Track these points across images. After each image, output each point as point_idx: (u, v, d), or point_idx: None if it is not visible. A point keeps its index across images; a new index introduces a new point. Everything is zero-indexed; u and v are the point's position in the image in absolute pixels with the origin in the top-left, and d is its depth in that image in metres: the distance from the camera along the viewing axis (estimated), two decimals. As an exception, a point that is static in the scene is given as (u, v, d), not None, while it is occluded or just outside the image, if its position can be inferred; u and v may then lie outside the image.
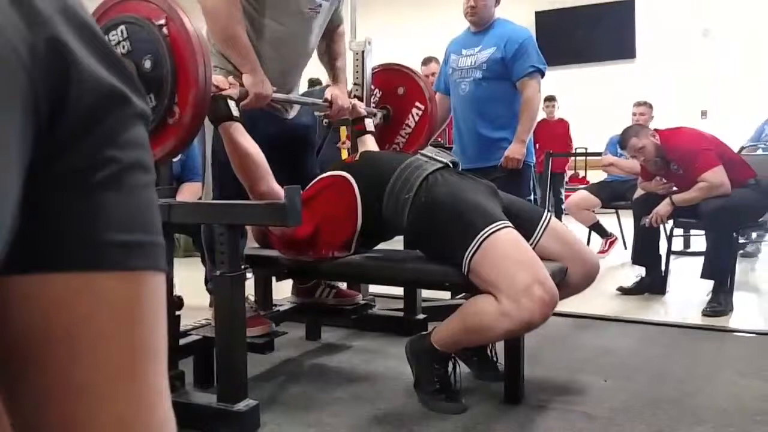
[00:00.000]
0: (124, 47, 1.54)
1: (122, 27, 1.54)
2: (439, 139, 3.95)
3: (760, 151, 4.01)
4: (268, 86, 1.95)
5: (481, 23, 2.97)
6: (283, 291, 2.63)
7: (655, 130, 3.45)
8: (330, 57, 2.34)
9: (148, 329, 0.38)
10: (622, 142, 3.42)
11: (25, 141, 0.31)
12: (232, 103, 1.82)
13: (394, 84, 2.67)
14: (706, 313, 2.94)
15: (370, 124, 2.43)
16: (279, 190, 1.81)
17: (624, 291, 3.43)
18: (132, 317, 0.37)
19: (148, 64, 1.51)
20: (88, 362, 0.36)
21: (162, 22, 1.50)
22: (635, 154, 3.33)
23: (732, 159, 3.26)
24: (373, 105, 2.62)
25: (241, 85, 1.89)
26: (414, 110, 2.63)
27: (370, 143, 2.38)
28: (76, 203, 0.35)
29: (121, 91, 0.36)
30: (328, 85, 2.63)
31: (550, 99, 7.04)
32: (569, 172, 7.55)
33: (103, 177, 0.35)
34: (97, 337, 0.36)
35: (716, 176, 3.08)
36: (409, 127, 2.66)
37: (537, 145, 6.53)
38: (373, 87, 2.64)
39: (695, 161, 3.14)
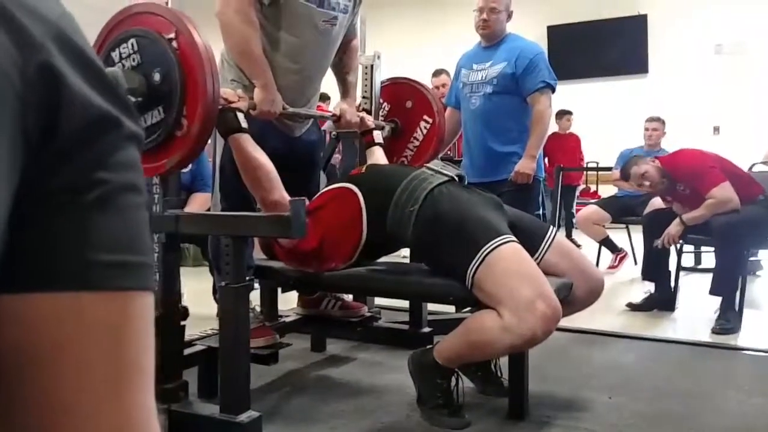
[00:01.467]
0: (134, 60, 1.57)
1: (132, 40, 1.56)
2: (449, 153, 3.96)
3: (763, 167, 3.98)
4: (278, 104, 1.98)
5: (492, 37, 2.98)
6: (289, 302, 2.64)
7: (655, 157, 3.52)
8: (341, 70, 2.37)
9: (135, 348, 0.39)
10: (624, 176, 3.46)
11: (15, 162, 0.33)
12: (240, 115, 1.84)
13: (402, 97, 2.69)
14: (715, 331, 2.91)
15: (378, 136, 2.45)
16: (283, 199, 1.83)
17: (633, 307, 3.41)
18: (119, 337, 0.38)
19: (157, 77, 1.53)
20: (75, 382, 0.36)
21: (172, 35, 1.52)
22: (640, 181, 3.36)
23: (738, 175, 3.24)
24: (382, 118, 2.64)
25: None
26: (422, 123, 2.65)
27: (378, 155, 2.40)
28: (66, 224, 0.36)
29: (112, 115, 0.37)
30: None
31: (565, 113, 7.03)
32: (581, 186, 7.53)
33: (93, 198, 0.36)
34: (84, 356, 0.36)
35: (724, 192, 3.07)
36: (417, 140, 2.68)
37: (547, 159, 6.54)
38: (381, 100, 2.66)
39: (701, 179, 3.14)
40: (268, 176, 1.87)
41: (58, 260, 0.35)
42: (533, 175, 2.87)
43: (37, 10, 0.34)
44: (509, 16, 2.99)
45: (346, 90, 2.36)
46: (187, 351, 1.99)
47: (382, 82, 2.67)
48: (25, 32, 0.33)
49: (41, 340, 0.35)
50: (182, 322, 1.82)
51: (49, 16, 0.35)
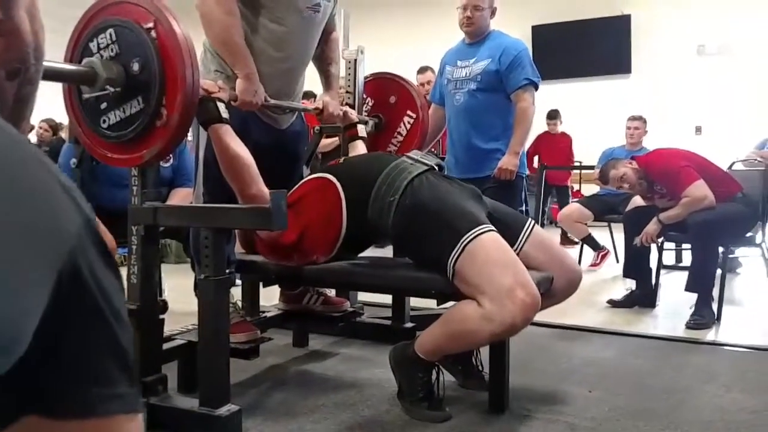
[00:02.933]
0: (112, 50, 1.55)
1: (111, 30, 1.55)
2: (433, 150, 3.97)
3: (740, 166, 4.03)
4: (260, 95, 1.96)
5: (476, 34, 2.99)
6: (271, 298, 2.63)
7: (631, 157, 3.57)
8: (323, 62, 2.35)
9: None
10: (602, 179, 3.51)
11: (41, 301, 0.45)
12: (221, 105, 1.82)
13: (386, 93, 2.69)
14: (689, 326, 2.95)
15: (362, 129, 2.45)
16: (268, 194, 1.81)
17: (614, 304, 3.44)
18: None
19: (136, 66, 1.51)
20: None
21: (150, 25, 1.51)
22: (619, 184, 3.40)
23: (714, 173, 3.28)
24: (365, 113, 2.63)
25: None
26: (406, 118, 2.65)
27: (360, 149, 2.40)
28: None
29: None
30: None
31: (554, 116, 7.07)
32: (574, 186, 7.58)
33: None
34: None
35: (698, 190, 3.11)
36: (401, 135, 2.68)
37: (537, 157, 6.58)
38: (365, 96, 2.65)
39: (676, 179, 3.19)
40: (248, 169, 1.85)
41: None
42: (516, 172, 2.88)
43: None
44: (493, 12, 2.99)
45: (328, 83, 2.35)
46: (167, 345, 1.97)
47: (365, 78, 2.67)
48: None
49: None
50: (161, 316, 1.80)
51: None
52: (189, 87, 1.48)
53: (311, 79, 2.39)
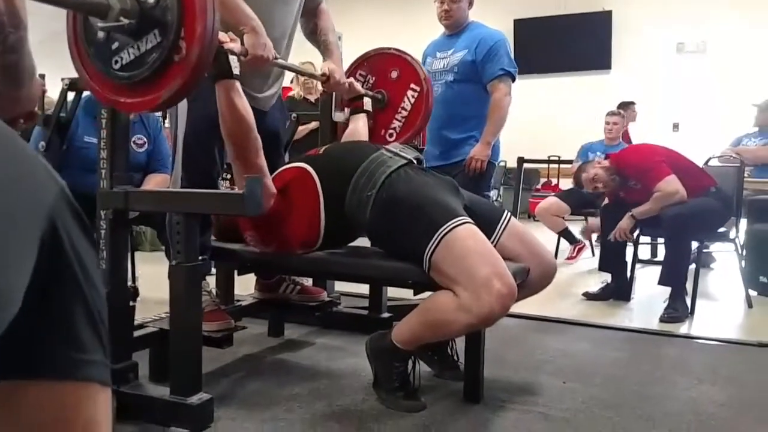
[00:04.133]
0: None
1: None
2: (414, 141, 3.95)
3: (716, 162, 4.09)
4: (270, 48, 1.83)
5: (455, 26, 2.98)
6: (247, 286, 2.60)
7: (607, 154, 3.65)
8: (320, 34, 2.30)
9: None
10: (578, 183, 3.56)
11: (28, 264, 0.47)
12: (233, 59, 1.71)
13: (387, 68, 2.61)
14: (663, 319, 2.99)
15: (368, 103, 2.42)
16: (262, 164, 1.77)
17: (589, 296, 3.46)
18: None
19: None
20: None
21: None
22: (592, 185, 3.43)
23: (687, 167, 3.32)
24: (367, 88, 2.57)
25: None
26: (409, 92, 2.56)
27: (361, 124, 2.38)
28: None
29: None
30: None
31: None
32: (542, 180, 7.63)
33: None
34: None
35: (669, 185, 3.15)
36: (405, 110, 2.59)
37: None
38: (365, 73, 2.60)
39: (648, 174, 3.22)
40: (253, 134, 1.77)
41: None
42: (486, 162, 2.89)
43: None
44: (471, 3, 2.98)
45: (329, 50, 2.29)
46: (138, 333, 1.94)
47: (366, 54, 2.62)
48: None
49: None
50: (132, 303, 1.77)
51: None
52: (210, 18, 1.35)
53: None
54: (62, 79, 1.97)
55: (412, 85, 2.56)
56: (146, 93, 1.43)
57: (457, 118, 2.93)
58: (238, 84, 1.73)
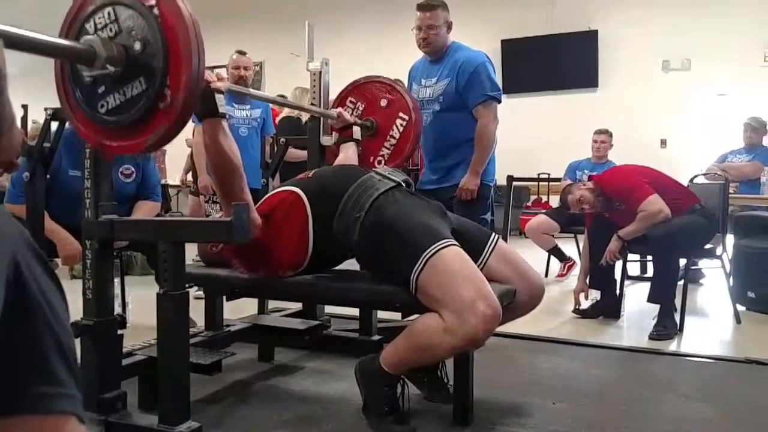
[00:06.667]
0: (111, 30, 1.43)
1: (109, 9, 1.43)
2: (405, 165, 3.99)
3: (702, 179, 4.14)
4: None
5: (434, 52, 3.00)
6: (237, 311, 2.60)
7: (591, 176, 3.70)
8: None
9: None
10: (564, 205, 3.58)
11: None
12: (219, 98, 1.72)
13: (376, 96, 2.66)
14: (652, 337, 3.00)
15: (357, 131, 2.46)
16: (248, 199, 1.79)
17: (580, 314, 3.47)
18: None
19: (138, 46, 1.40)
20: None
21: (152, 2, 1.40)
22: (579, 207, 3.45)
23: (670, 186, 3.36)
24: (356, 117, 2.60)
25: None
26: (398, 121, 2.62)
27: (351, 152, 2.41)
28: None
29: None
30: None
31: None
32: (532, 197, 7.67)
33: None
34: None
35: (653, 204, 3.18)
36: (394, 138, 2.65)
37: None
38: (354, 100, 2.64)
39: (631, 195, 3.26)
40: (239, 171, 1.77)
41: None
42: (481, 182, 2.92)
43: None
44: (449, 27, 2.99)
45: None
46: (127, 361, 1.93)
47: (355, 81, 2.66)
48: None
49: None
50: (119, 331, 1.77)
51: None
52: (196, 65, 1.37)
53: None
54: (45, 109, 1.98)
55: (401, 114, 2.60)
56: (132, 137, 1.45)
57: (449, 145, 2.96)
58: (224, 122, 1.74)
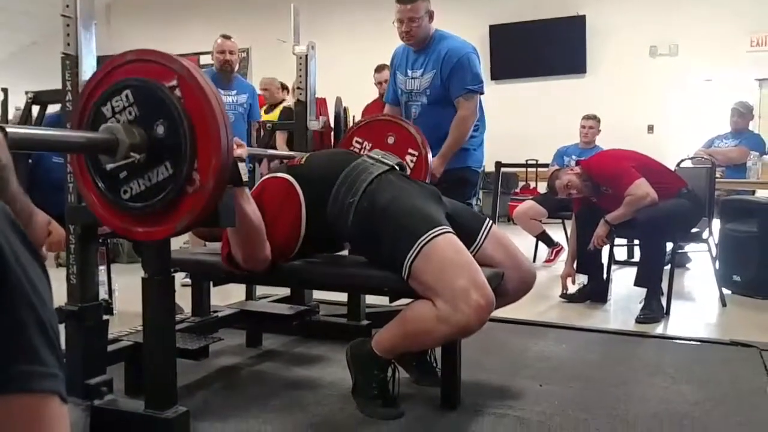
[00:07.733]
0: (130, 113, 1.38)
1: (127, 92, 1.39)
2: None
3: (689, 163, 4.16)
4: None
5: (419, 44, 2.97)
6: (224, 297, 2.59)
7: (578, 161, 3.68)
8: None
9: None
10: (552, 190, 3.58)
11: None
12: (242, 166, 1.70)
13: (383, 133, 2.61)
14: (639, 320, 3.02)
15: None
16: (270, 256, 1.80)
17: (567, 298, 3.49)
18: None
19: (160, 129, 1.36)
20: None
21: (174, 83, 1.36)
22: (566, 192, 3.45)
23: (657, 170, 3.37)
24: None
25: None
26: (408, 157, 2.55)
27: None
28: None
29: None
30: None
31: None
32: (520, 183, 7.69)
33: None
34: None
35: (639, 188, 3.19)
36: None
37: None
38: (361, 140, 2.59)
39: (618, 180, 3.26)
40: (262, 234, 1.78)
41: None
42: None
43: None
44: (431, 17, 2.95)
45: None
46: (113, 347, 1.93)
47: (358, 123, 2.62)
48: None
49: None
50: (105, 317, 1.75)
51: None
52: (224, 147, 1.33)
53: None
54: (26, 92, 1.94)
55: (411, 150, 2.54)
56: (159, 224, 1.40)
57: (440, 135, 2.94)
58: (246, 190, 1.73)
